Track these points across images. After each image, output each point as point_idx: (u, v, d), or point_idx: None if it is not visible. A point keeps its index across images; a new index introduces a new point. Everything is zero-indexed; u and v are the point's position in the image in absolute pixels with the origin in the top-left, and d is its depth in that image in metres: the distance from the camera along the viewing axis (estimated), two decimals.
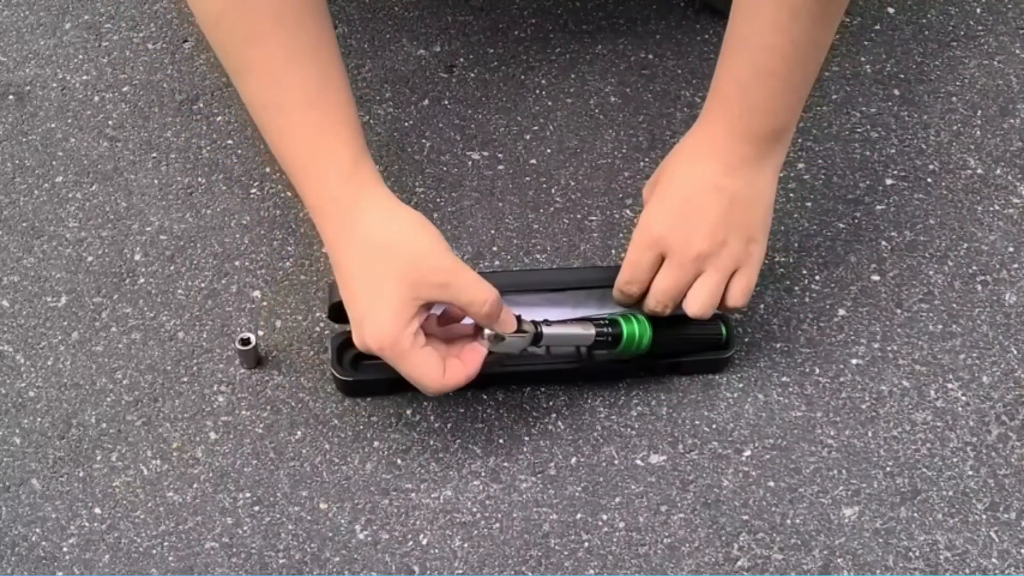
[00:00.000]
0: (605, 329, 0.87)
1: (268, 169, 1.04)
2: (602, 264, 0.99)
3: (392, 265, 0.79)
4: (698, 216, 0.84)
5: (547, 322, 0.85)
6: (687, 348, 0.91)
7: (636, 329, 0.87)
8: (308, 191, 0.83)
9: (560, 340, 0.86)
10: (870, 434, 0.90)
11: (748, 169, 0.85)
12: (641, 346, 0.87)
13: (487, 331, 0.82)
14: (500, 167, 1.05)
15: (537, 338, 0.84)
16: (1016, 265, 0.99)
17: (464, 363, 0.82)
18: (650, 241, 0.86)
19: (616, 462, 0.88)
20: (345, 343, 0.89)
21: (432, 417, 0.91)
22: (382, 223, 0.81)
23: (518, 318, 0.83)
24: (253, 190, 1.03)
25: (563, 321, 0.86)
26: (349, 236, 0.81)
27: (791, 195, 1.03)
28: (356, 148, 0.82)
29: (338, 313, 0.86)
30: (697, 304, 0.85)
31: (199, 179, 1.04)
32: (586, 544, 0.85)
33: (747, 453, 0.89)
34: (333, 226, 0.82)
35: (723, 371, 0.92)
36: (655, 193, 0.87)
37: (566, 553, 0.84)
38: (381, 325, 0.79)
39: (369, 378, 0.90)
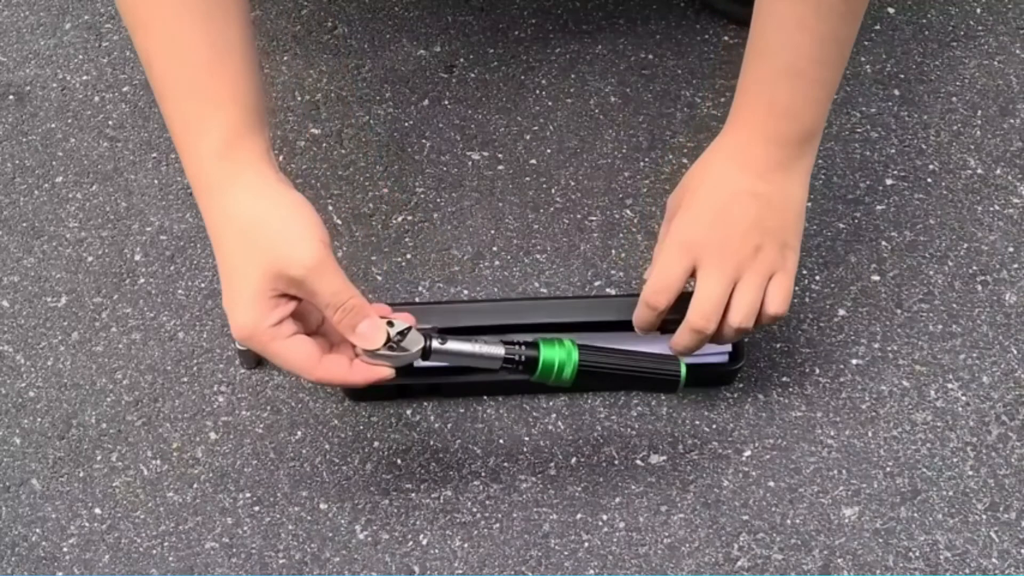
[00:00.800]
0: (517, 349, 0.78)
1: None
2: (596, 294, 0.98)
3: (253, 252, 0.74)
4: (732, 222, 0.82)
5: (443, 338, 0.77)
6: (636, 385, 0.85)
7: (557, 355, 0.78)
8: (185, 162, 0.78)
9: (457, 359, 0.78)
10: (870, 434, 0.90)
11: (780, 173, 0.83)
12: (563, 376, 0.78)
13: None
14: (500, 167, 1.05)
15: (425, 354, 0.76)
16: (1016, 265, 0.99)
17: (353, 365, 0.76)
18: (683, 248, 0.82)
19: (616, 462, 0.88)
20: None
21: (432, 417, 0.91)
22: (252, 205, 0.75)
23: (407, 331, 0.76)
24: None
25: (467, 337, 0.78)
26: (219, 215, 0.76)
27: None
28: (238, 121, 0.77)
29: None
30: (741, 313, 0.82)
31: None
32: (586, 544, 0.85)
33: (747, 453, 0.89)
34: (205, 202, 0.77)
35: (731, 383, 0.92)
36: (685, 201, 0.84)
37: (566, 553, 0.84)
38: (238, 316, 0.74)
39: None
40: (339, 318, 0.74)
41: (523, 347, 0.78)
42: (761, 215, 0.82)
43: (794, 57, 0.81)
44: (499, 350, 0.77)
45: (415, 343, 0.76)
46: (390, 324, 0.76)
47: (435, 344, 0.77)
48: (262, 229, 0.74)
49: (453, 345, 0.77)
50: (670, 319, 0.84)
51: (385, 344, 0.75)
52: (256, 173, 0.77)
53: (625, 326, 0.87)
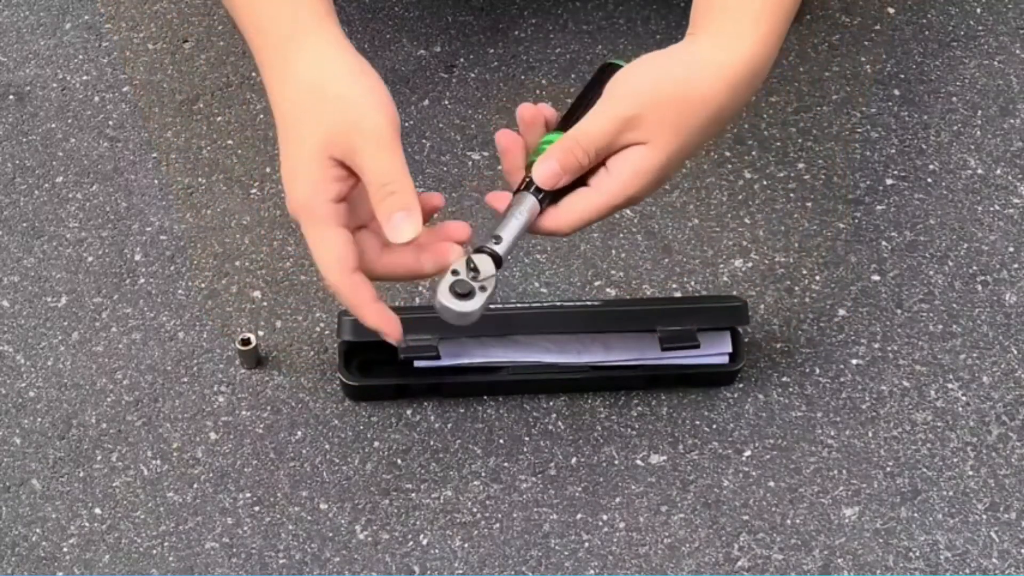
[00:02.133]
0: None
1: (268, 169, 1.04)
2: (598, 301, 0.98)
3: (313, 114, 0.70)
4: None
5: (497, 239, 0.72)
6: None
7: None
8: (247, 27, 0.75)
9: (517, 241, 0.73)
10: (870, 434, 0.90)
11: None
12: None
13: (441, 297, 0.69)
14: (500, 167, 1.05)
15: (499, 264, 0.71)
16: (1016, 265, 0.99)
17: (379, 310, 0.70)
18: None
19: (616, 462, 0.88)
20: (352, 348, 0.89)
21: (432, 417, 0.91)
22: (315, 64, 0.71)
23: (472, 265, 0.70)
24: (253, 190, 1.03)
25: (505, 219, 0.73)
26: (281, 77, 0.72)
27: (791, 195, 1.03)
28: None
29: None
30: None
31: (199, 179, 1.04)
32: (586, 544, 0.85)
33: (747, 453, 0.89)
34: (267, 66, 0.74)
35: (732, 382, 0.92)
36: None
37: (566, 553, 0.84)
38: (294, 184, 0.70)
39: (376, 383, 0.90)
40: (380, 198, 0.69)
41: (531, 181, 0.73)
42: None
43: None
44: (530, 202, 0.73)
45: (488, 270, 0.70)
46: (472, 268, 0.70)
47: (499, 249, 0.71)
48: (325, 90, 0.70)
49: (511, 237, 0.72)
50: (668, 333, 0.86)
51: (457, 291, 0.69)
52: (320, 28, 0.73)
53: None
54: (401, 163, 0.69)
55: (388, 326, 0.71)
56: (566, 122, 0.76)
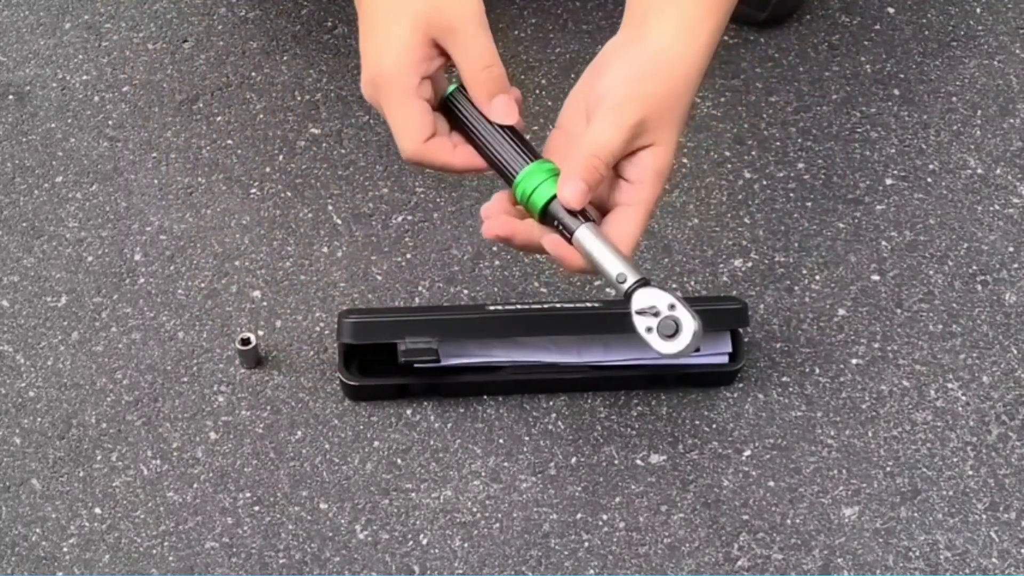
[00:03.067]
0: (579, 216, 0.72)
1: (268, 169, 1.04)
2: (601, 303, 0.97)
3: None
4: None
5: (621, 276, 0.70)
6: None
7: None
8: None
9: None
10: (870, 434, 0.90)
11: None
12: None
13: (655, 345, 0.69)
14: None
15: (648, 283, 0.71)
16: (1016, 265, 0.99)
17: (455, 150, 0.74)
18: None
19: (616, 462, 0.89)
20: (352, 348, 0.89)
21: (432, 417, 0.91)
22: None
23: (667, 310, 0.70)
24: (253, 190, 1.03)
25: (602, 256, 0.71)
26: None
27: (791, 195, 1.03)
28: None
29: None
30: None
31: (199, 179, 1.04)
32: (586, 544, 0.85)
33: (747, 453, 0.89)
34: None
35: (732, 382, 0.92)
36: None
37: (566, 553, 0.84)
38: (381, 58, 0.72)
39: (376, 383, 0.90)
40: (482, 79, 0.72)
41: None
42: None
43: None
44: (592, 227, 0.72)
45: (657, 296, 0.70)
46: (649, 308, 0.70)
47: (639, 274, 0.70)
48: None
49: (624, 260, 0.71)
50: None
51: (666, 334, 0.69)
52: None
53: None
54: (490, 44, 0.73)
55: (476, 161, 0.75)
56: (505, 168, 0.76)
